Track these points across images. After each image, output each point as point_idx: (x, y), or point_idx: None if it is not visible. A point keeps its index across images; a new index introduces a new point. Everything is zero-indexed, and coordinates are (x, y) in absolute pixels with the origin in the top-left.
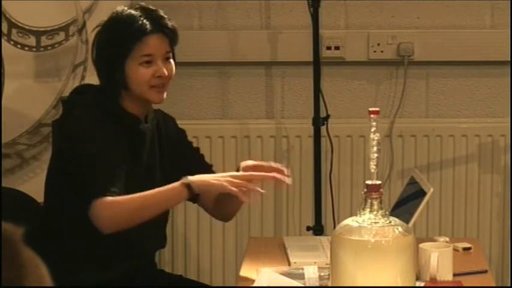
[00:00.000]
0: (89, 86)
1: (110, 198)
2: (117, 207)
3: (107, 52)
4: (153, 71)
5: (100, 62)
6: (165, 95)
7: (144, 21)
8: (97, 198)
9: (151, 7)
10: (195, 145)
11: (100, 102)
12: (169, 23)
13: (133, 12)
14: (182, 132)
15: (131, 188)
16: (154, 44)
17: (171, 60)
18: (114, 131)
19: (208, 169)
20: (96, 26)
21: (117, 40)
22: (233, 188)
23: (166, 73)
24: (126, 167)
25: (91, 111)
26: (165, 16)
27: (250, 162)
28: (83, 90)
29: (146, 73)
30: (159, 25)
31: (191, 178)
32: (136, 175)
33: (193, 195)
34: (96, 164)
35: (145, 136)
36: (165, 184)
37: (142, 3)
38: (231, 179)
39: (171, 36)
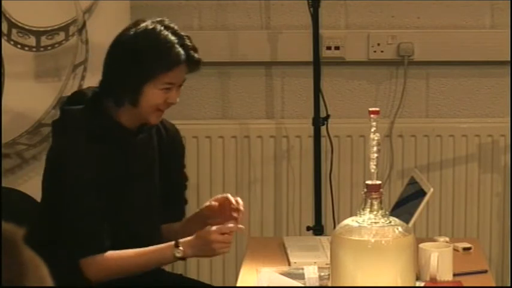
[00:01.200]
0: (87, 96)
1: (101, 259)
2: (108, 270)
3: (131, 69)
4: (166, 97)
5: (118, 73)
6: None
7: (180, 50)
8: (87, 255)
9: (180, 32)
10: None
11: (95, 122)
12: (196, 56)
13: (170, 36)
14: (180, 150)
15: (127, 198)
16: (179, 74)
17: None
18: (107, 154)
19: (180, 206)
20: (122, 33)
21: (147, 62)
22: (221, 251)
23: (176, 102)
24: (105, 210)
25: (82, 141)
26: (191, 45)
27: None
28: (79, 100)
29: (161, 97)
30: (189, 57)
31: (183, 250)
32: (132, 185)
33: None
34: (84, 220)
35: (140, 147)
36: (162, 192)
37: (173, 25)
38: (218, 243)
39: (195, 67)
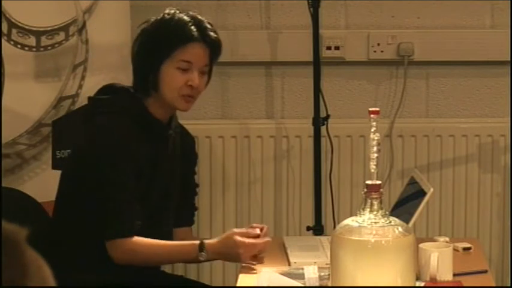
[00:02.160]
0: (117, 86)
1: (128, 242)
2: (133, 254)
3: (149, 49)
4: (186, 79)
5: (138, 57)
6: (192, 105)
7: (193, 27)
8: (116, 237)
9: (199, 17)
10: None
11: (127, 106)
12: (213, 35)
13: (184, 17)
14: (195, 158)
15: (152, 193)
16: (195, 52)
17: (206, 75)
18: (140, 138)
19: (191, 210)
20: (143, 22)
21: (161, 40)
22: (246, 260)
23: (198, 84)
24: (141, 191)
25: (118, 121)
26: (210, 27)
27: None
28: (111, 90)
29: (180, 79)
30: (205, 35)
31: (207, 255)
32: (158, 181)
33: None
34: (119, 200)
35: (169, 142)
36: (181, 194)
37: (193, 13)
38: (244, 248)
39: (213, 47)
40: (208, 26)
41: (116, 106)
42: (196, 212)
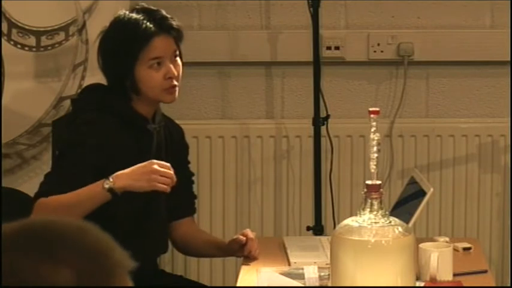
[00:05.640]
0: (99, 86)
1: (41, 200)
2: (45, 208)
3: (115, 59)
4: (163, 73)
5: (109, 69)
6: (177, 94)
7: (148, 23)
8: (36, 199)
9: (152, 8)
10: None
11: (110, 104)
12: (174, 23)
13: (135, 16)
14: (185, 148)
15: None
16: (161, 45)
17: (178, 59)
18: (123, 133)
19: (190, 199)
20: (100, 32)
21: (123, 46)
22: (159, 185)
23: (176, 73)
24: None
25: (100, 116)
26: (168, 16)
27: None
28: (92, 89)
29: (157, 76)
30: (163, 26)
31: (113, 181)
32: None
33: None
34: (64, 172)
35: (153, 136)
36: (177, 185)
37: (143, 4)
38: (154, 175)
39: (176, 35)
40: (164, 14)
41: (98, 103)
42: (196, 201)
